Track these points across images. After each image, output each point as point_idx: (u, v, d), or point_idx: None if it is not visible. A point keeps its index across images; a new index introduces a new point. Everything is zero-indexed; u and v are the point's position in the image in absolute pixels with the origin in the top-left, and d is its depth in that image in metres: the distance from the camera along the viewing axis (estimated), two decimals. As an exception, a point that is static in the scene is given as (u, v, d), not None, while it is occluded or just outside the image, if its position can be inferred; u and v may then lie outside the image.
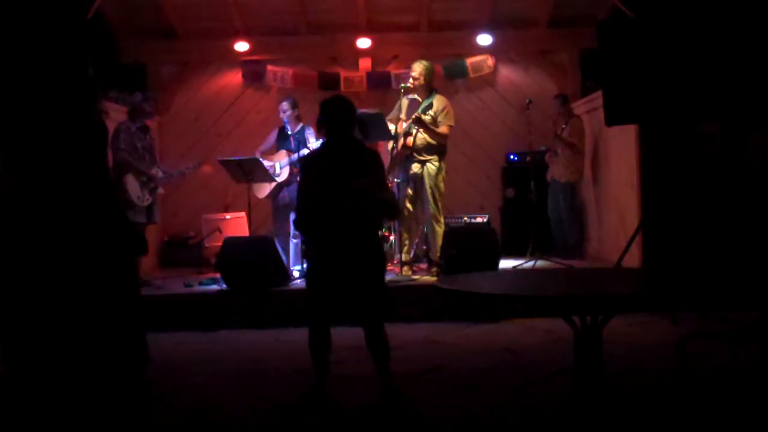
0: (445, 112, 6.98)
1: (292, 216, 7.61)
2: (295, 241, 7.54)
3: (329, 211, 4.12)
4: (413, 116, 6.87)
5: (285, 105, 7.62)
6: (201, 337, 6.13)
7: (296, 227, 4.62)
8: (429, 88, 7.04)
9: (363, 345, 4.27)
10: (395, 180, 7.03)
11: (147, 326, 3.09)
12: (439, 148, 7.03)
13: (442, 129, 6.96)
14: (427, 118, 6.86)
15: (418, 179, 7.03)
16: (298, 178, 4.32)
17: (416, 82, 6.99)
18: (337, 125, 4.26)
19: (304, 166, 4.48)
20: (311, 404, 4.15)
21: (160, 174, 7.23)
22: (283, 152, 7.54)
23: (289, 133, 7.39)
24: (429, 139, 6.96)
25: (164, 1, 8.65)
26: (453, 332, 5.95)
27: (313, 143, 7.41)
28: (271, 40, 9.21)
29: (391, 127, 7.03)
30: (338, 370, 4.57)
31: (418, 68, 7.03)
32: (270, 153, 7.67)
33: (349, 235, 4.14)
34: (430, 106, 6.90)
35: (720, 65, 5.45)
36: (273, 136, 7.77)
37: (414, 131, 6.95)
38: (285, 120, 7.52)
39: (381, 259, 4.33)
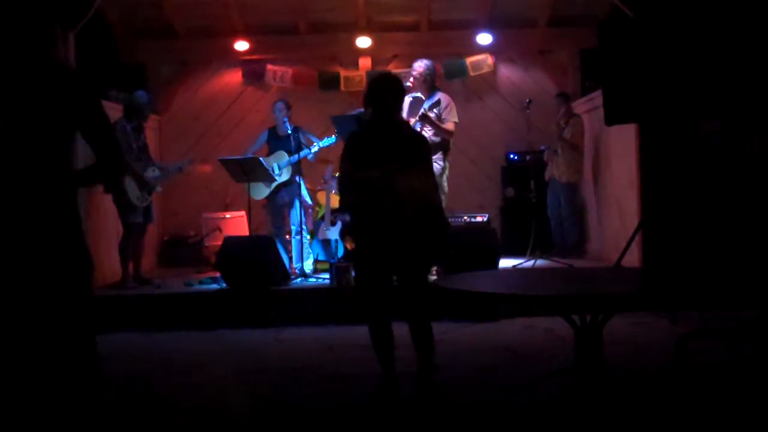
0: (449, 109, 6.99)
1: (292, 214, 7.64)
2: (297, 238, 7.56)
3: (373, 198, 4.00)
4: (420, 113, 6.86)
5: (281, 105, 7.64)
6: (201, 337, 6.12)
7: (343, 208, 4.45)
8: (431, 86, 7.04)
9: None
10: None
11: (97, 323, 2.97)
12: (443, 146, 7.02)
13: (448, 125, 6.96)
14: (431, 115, 6.86)
15: None
16: (341, 157, 4.19)
17: (417, 81, 6.99)
18: (385, 104, 4.11)
19: (348, 146, 4.23)
20: (382, 403, 4.05)
21: (157, 173, 7.20)
22: (283, 153, 7.53)
23: (289, 132, 7.39)
24: (434, 138, 6.96)
25: (164, 1, 8.64)
26: (453, 332, 5.95)
27: (318, 143, 7.41)
28: (271, 40, 9.21)
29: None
30: (343, 370, 4.57)
31: (419, 67, 7.03)
32: (260, 153, 7.65)
33: (394, 223, 4.00)
34: (437, 103, 6.89)
35: (720, 65, 5.46)
36: (263, 136, 7.78)
37: (419, 129, 6.94)
38: (285, 119, 7.51)
39: (428, 250, 4.15)
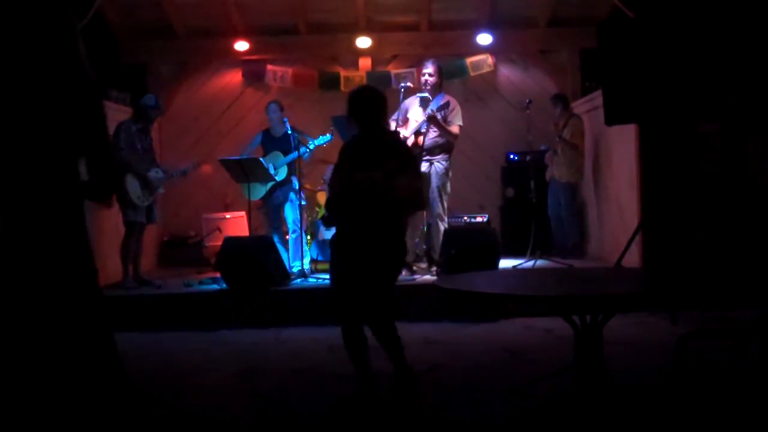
0: (455, 112, 7.01)
1: (287, 213, 7.64)
2: (293, 236, 7.56)
3: (351, 203, 4.04)
4: (428, 114, 6.86)
5: (275, 106, 7.68)
6: (201, 337, 6.13)
7: (325, 222, 4.52)
8: (439, 86, 7.07)
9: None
10: None
11: (111, 323, 2.95)
12: (447, 147, 7.05)
13: (453, 128, 6.98)
14: (438, 116, 6.88)
15: (425, 178, 7.02)
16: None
17: (432, 79, 7.01)
18: (364, 115, 4.12)
19: (339, 158, 4.28)
20: (356, 407, 4.02)
21: (160, 175, 7.22)
22: (278, 153, 7.54)
23: (289, 132, 7.39)
24: (438, 139, 6.98)
25: (164, 1, 8.64)
26: (453, 332, 5.95)
27: (313, 141, 7.41)
28: (271, 40, 9.21)
29: (391, 125, 7.04)
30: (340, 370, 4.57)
31: (432, 67, 7.04)
32: (256, 155, 7.65)
33: (367, 229, 4.02)
34: (446, 105, 6.90)
35: (720, 65, 5.46)
36: (257, 139, 7.80)
37: (424, 130, 6.95)
38: (285, 120, 7.51)
39: (393, 256, 4.12)
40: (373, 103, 4.15)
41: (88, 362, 2.76)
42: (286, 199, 7.61)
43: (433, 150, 7.02)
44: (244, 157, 7.47)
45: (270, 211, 7.78)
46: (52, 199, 2.72)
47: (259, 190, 7.62)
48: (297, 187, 7.51)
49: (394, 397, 4.07)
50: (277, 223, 7.75)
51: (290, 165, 7.50)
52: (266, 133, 7.75)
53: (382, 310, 4.07)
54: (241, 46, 9.07)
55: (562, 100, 8.44)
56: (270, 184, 7.54)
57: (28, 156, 2.70)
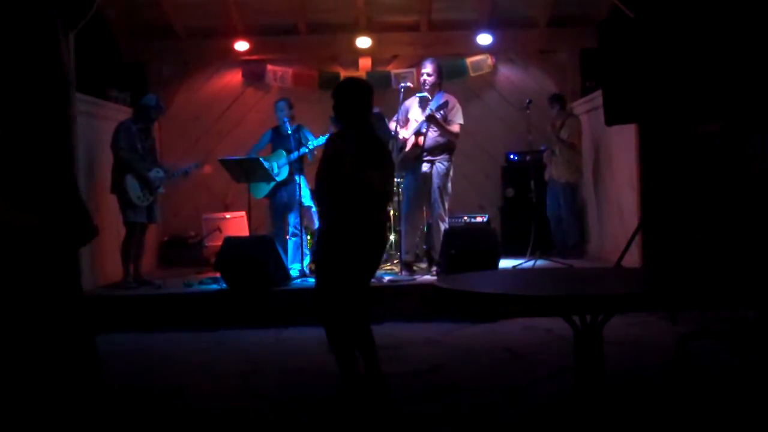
0: (455, 111, 7.00)
1: (290, 214, 7.63)
2: (293, 239, 7.55)
3: (326, 198, 4.10)
4: (427, 114, 6.86)
5: (283, 104, 7.65)
6: (201, 337, 6.13)
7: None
8: (439, 86, 7.07)
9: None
10: (398, 179, 7.03)
11: (94, 328, 2.95)
12: (448, 147, 7.04)
13: (454, 127, 6.98)
14: (438, 116, 6.87)
15: (426, 179, 7.02)
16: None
17: (430, 78, 7.00)
18: (341, 110, 4.18)
19: (323, 150, 4.40)
20: (340, 407, 4.05)
21: (161, 174, 7.21)
22: (282, 152, 7.54)
23: (289, 132, 7.39)
24: (439, 138, 6.97)
25: (164, 1, 8.64)
26: (453, 332, 5.95)
27: (313, 141, 7.42)
28: (271, 40, 9.21)
29: (392, 125, 7.05)
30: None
31: (430, 66, 7.04)
32: (264, 153, 7.66)
33: (341, 223, 4.08)
34: (445, 104, 6.90)
35: (720, 65, 5.46)
36: (266, 136, 7.79)
37: (424, 130, 6.95)
38: (285, 119, 7.50)
39: (364, 254, 4.11)
40: (355, 100, 4.18)
41: (66, 365, 2.75)
42: (291, 200, 7.59)
43: (434, 150, 7.01)
44: (251, 156, 7.46)
45: (273, 211, 7.78)
46: (38, 201, 2.72)
47: (263, 189, 7.62)
48: (300, 190, 7.48)
49: (361, 399, 4.06)
50: (279, 223, 7.75)
51: (292, 164, 7.49)
52: (275, 131, 7.75)
53: (353, 308, 4.06)
54: (241, 46, 9.07)
55: (559, 100, 8.45)
56: (272, 183, 7.55)
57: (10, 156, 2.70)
